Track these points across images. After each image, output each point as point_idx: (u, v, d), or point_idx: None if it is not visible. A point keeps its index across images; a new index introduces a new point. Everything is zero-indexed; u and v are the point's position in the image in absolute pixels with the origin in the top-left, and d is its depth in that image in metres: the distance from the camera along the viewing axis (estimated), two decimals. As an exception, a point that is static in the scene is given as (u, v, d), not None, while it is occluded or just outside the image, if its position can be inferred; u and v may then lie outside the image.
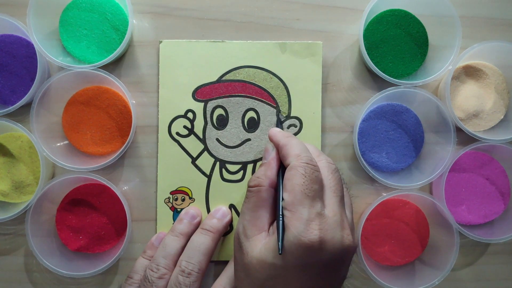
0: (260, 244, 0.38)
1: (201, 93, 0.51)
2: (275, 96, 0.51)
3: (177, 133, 0.51)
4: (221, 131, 0.51)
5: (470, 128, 0.51)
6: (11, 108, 0.48)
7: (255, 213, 0.40)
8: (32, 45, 0.49)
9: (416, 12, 0.51)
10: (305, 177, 0.38)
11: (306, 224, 0.36)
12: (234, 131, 0.51)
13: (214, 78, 0.51)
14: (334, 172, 0.40)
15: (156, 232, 0.51)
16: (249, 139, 0.51)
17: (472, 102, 0.51)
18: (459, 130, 0.49)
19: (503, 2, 0.53)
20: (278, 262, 0.37)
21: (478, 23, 0.53)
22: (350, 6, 0.52)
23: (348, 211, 0.41)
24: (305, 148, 0.41)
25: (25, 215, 0.48)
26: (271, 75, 0.51)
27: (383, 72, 0.49)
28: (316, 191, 0.38)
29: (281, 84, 0.51)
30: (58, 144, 0.51)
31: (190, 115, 0.51)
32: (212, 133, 0.51)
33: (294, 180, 0.38)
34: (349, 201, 0.43)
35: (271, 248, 0.37)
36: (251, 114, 0.51)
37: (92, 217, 0.51)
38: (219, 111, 0.51)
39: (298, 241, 0.36)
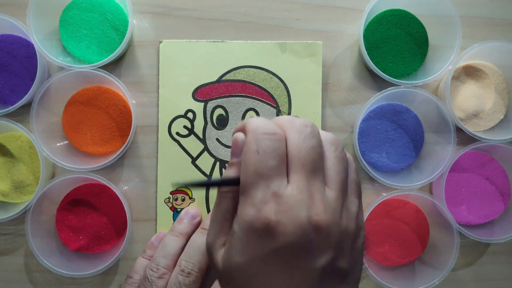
0: (222, 252, 0.33)
1: (201, 93, 0.51)
2: (275, 96, 0.51)
3: (177, 133, 0.51)
4: (221, 131, 0.51)
5: (470, 128, 0.51)
6: (11, 108, 0.48)
7: (225, 222, 0.34)
8: (32, 45, 0.49)
9: (416, 12, 0.51)
10: (258, 153, 0.31)
11: (259, 208, 0.30)
12: (234, 131, 0.51)
13: (214, 78, 0.51)
14: (308, 139, 0.32)
15: (156, 232, 0.51)
16: (249, 139, 0.51)
17: (472, 102, 0.51)
18: (459, 130, 0.49)
19: (503, 2, 0.53)
20: (240, 260, 0.31)
21: (478, 23, 0.53)
22: (350, 6, 0.52)
23: (354, 196, 0.34)
24: (265, 120, 0.33)
25: (25, 215, 0.48)
26: (271, 75, 0.51)
27: (383, 72, 0.49)
28: (273, 168, 0.31)
29: (281, 84, 0.51)
30: (58, 144, 0.51)
31: (190, 115, 0.51)
32: (212, 133, 0.51)
33: (246, 159, 0.32)
34: (355, 178, 0.34)
35: (229, 252, 0.32)
36: (251, 114, 0.51)
37: (92, 217, 0.51)
38: (219, 111, 0.51)
39: (250, 228, 0.30)
